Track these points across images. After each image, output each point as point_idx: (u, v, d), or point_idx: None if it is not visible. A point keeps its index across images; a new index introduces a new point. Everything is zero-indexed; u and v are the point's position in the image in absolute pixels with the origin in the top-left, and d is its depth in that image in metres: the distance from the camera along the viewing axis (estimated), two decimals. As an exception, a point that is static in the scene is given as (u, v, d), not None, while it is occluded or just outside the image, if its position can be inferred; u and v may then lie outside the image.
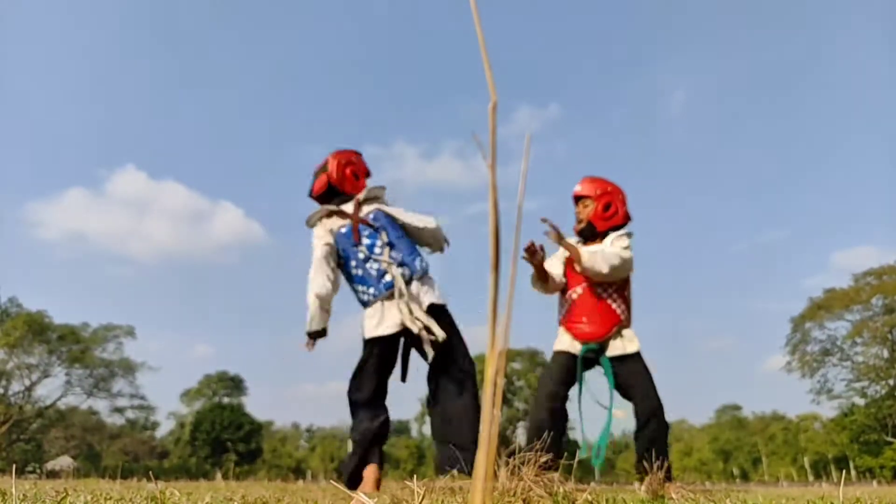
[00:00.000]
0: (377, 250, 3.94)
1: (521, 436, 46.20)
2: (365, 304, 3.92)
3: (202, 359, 72.98)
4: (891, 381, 37.34)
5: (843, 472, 2.57)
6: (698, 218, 79.18)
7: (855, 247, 70.55)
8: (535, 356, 48.64)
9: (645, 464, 3.34)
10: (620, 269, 3.97)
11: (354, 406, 3.89)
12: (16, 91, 65.60)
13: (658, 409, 3.87)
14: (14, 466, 2.43)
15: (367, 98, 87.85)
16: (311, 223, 4.14)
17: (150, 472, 3.98)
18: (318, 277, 3.89)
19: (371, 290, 3.86)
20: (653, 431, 3.83)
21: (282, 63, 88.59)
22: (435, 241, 4.13)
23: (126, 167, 74.42)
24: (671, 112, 78.96)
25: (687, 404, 77.66)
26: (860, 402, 39.77)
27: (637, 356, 3.99)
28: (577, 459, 2.84)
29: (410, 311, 3.73)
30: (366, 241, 3.98)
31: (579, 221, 4.24)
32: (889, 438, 37.00)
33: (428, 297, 3.84)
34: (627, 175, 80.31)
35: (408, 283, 3.85)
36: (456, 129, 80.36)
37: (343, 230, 4.04)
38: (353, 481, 3.75)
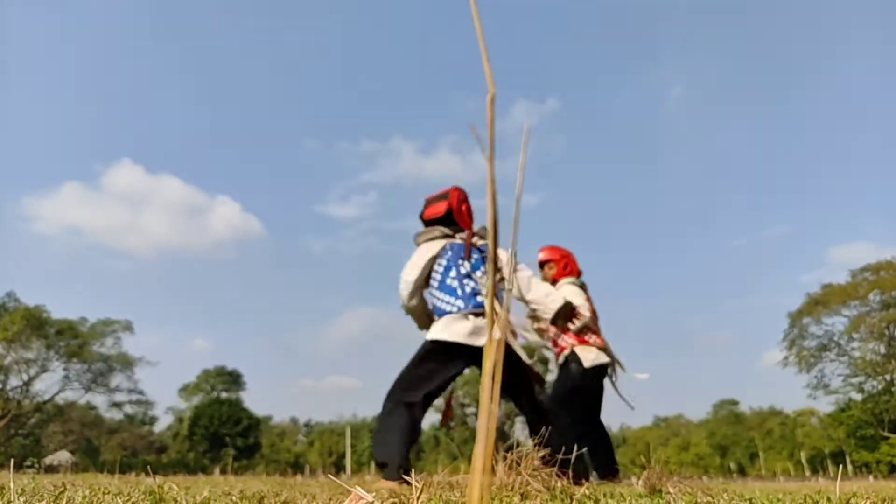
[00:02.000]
0: (479, 273, 4.12)
1: (519, 431, 46.30)
2: (441, 314, 4.03)
3: (200, 353, 73.02)
4: (888, 377, 37.47)
5: (840, 466, 2.58)
6: (696, 214, 79.27)
7: (852, 242, 70.65)
8: (533, 352, 48.69)
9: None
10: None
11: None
12: (9, 84, 65.39)
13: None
14: (12, 461, 2.43)
15: (364, 93, 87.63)
16: (420, 241, 4.31)
17: (149, 467, 3.98)
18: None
19: (459, 304, 3.98)
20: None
21: (279, 58, 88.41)
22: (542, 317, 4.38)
23: (122, 161, 74.06)
24: (669, 107, 78.94)
25: (684, 399, 77.89)
26: (857, 397, 39.91)
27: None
28: (574, 454, 2.85)
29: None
30: (473, 260, 4.17)
31: (544, 279, 5.79)
32: (886, 433, 37.13)
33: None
34: (624, 170, 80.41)
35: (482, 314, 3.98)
36: (453, 124, 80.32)
37: (457, 243, 4.24)
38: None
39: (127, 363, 40.89)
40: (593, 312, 5.63)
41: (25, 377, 37.57)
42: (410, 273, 4.22)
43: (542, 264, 5.88)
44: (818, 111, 74.31)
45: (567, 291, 5.46)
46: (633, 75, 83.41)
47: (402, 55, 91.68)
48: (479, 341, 3.84)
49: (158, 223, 69.69)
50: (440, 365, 3.90)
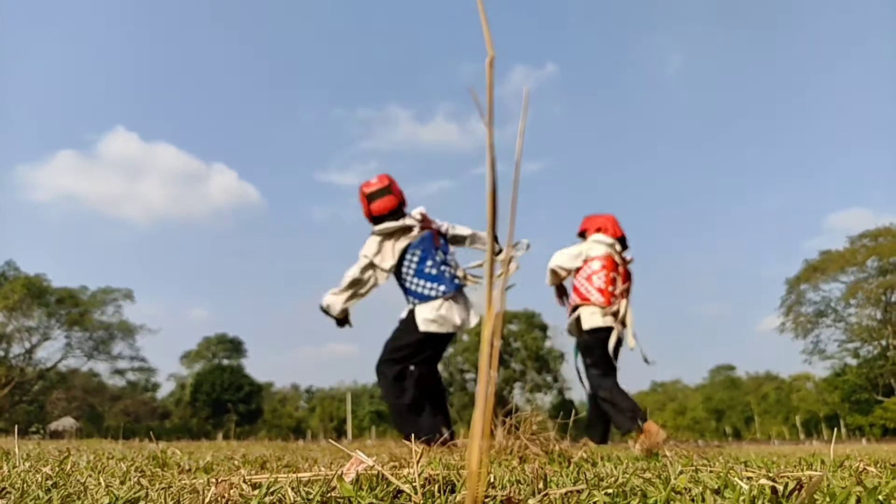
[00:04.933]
0: (449, 258, 4.84)
1: (517, 396, 46.86)
2: (426, 299, 4.61)
3: (200, 322, 73.28)
4: (883, 342, 37.79)
5: (835, 430, 2.62)
6: (694, 181, 78.91)
7: (850, 209, 70.57)
8: (532, 318, 49.02)
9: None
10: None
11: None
12: None
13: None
14: (17, 427, 2.45)
15: (359, 59, 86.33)
16: (384, 234, 4.78)
17: (152, 433, 4.02)
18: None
19: (442, 288, 4.59)
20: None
21: (272, 24, 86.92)
22: (482, 242, 5.11)
23: (115, 129, 73.25)
24: (669, 74, 78.01)
25: (681, 364, 78.63)
26: (852, 362, 40.32)
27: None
28: (572, 419, 2.88)
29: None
30: (440, 245, 4.84)
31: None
32: (879, 397, 37.61)
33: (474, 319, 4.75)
34: (623, 136, 79.82)
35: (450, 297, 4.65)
36: (450, 90, 79.34)
37: (424, 234, 4.83)
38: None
39: (128, 331, 41.18)
40: (617, 276, 5.51)
41: (27, 345, 37.88)
42: (385, 262, 4.70)
43: (581, 235, 5.97)
44: (817, 79, 73.50)
45: (561, 254, 5.70)
46: (632, 42, 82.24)
47: (396, 19, 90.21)
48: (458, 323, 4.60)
49: (155, 191, 69.33)
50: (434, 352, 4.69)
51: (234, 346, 51.90)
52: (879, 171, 63.21)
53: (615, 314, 5.31)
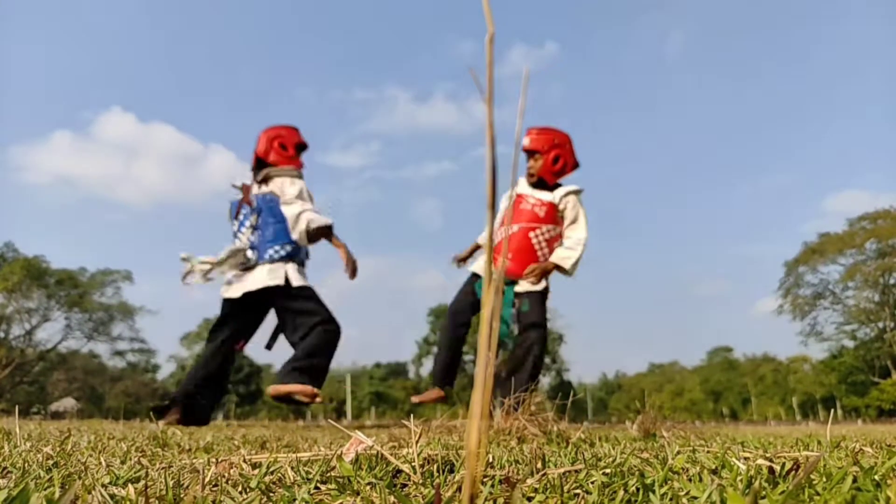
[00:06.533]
0: (244, 229, 4.83)
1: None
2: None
3: (200, 303, 73.55)
4: (880, 324, 37.93)
5: (831, 411, 2.63)
6: (693, 163, 78.70)
7: (847, 190, 70.49)
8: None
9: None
10: (581, 257, 4.47)
11: None
12: None
13: (540, 336, 4.39)
14: (17, 408, 2.46)
15: (357, 40, 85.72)
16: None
17: (153, 413, 4.04)
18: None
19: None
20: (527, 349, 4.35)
21: (271, 4, 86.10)
22: (294, 229, 4.75)
23: (111, 109, 72.95)
24: (669, 53, 77.45)
25: (679, 346, 78.99)
26: (849, 344, 40.51)
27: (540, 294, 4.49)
28: (570, 399, 2.90)
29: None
30: (241, 218, 4.89)
31: (531, 175, 4.62)
32: (876, 379, 37.83)
33: (262, 280, 4.62)
34: (623, 116, 79.38)
35: (251, 267, 4.68)
36: (448, 70, 78.86)
37: (233, 203, 4.99)
38: None
39: (128, 312, 41.22)
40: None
41: (27, 326, 37.93)
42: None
43: (528, 153, 4.64)
44: (816, 60, 73.00)
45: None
46: (632, 21, 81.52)
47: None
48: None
49: (153, 172, 69.15)
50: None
51: (234, 328, 52.03)
52: (878, 154, 63.08)
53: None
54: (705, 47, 77.67)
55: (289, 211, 4.68)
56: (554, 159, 4.57)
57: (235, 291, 4.71)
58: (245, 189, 4.88)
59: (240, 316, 4.87)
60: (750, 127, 75.31)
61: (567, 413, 2.79)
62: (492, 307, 0.45)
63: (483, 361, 0.44)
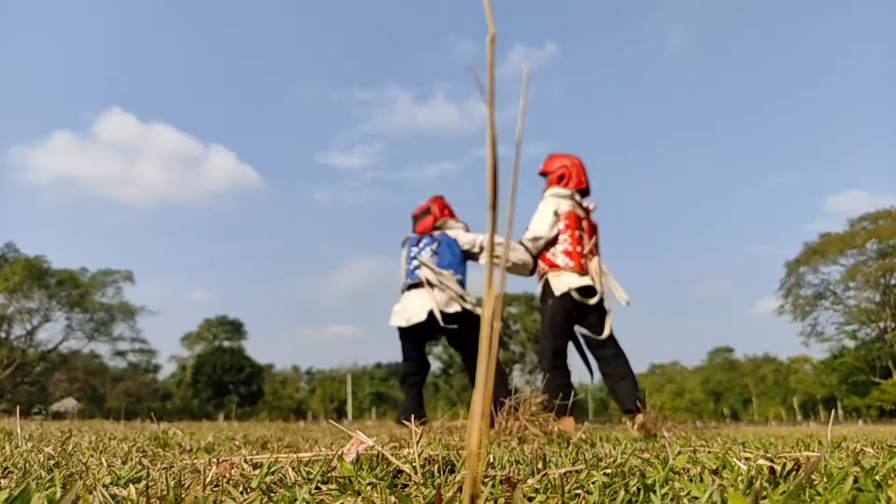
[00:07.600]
0: (422, 250, 5.33)
1: (517, 378, 47.05)
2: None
3: (200, 303, 73.50)
4: (881, 324, 37.88)
5: (832, 412, 2.63)
6: (693, 163, 78.67)
7: (847, 191, 70.48)
8: (532, 300, 49.09)
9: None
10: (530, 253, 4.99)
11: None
12: None
13: (540, 349, 4.81)
14: (19, 408, 2.47)
15: (358, 40, 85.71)
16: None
17: (153, 414, 4.04)
18: None
19: (406, 281, 5.31)
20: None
21: (271, 3, 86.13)
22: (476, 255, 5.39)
23: (112, 109, 72.96)
24: (669, 52, 77.46)
25: (680, 346, 78.86)
26: (850, 344, 40.44)
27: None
28: (571, 400, 2.90)
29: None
30: (420, 247, 5.40)
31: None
32: (877, 379, 37.78)
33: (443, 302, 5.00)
34: (624, 115, 79.36)
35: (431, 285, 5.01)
36: (449, 71, 78.90)
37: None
38: None
39: (129, 312, 41.23)
40: (582, 232, 4.90)
41: (28, 326, 37.94)
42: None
43: (542, 175, 5.26)
44: (816, 60, 72.95)
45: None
46: (631, 20, 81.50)
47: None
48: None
49: (153, 173, 69.18)
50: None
51: (235, 328, 52.06)
52: (879, 154, 63.04)
53: (587, 273, 4.77)
54: (706, 47, 77.69)
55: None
56: (559, 178, 5.15)
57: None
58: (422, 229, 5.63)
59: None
60: (751, 127, 75.28)
61: (567, 414, 2.79)
62: (492, 307, 0.45)
63: (484, 362, 0.44)
